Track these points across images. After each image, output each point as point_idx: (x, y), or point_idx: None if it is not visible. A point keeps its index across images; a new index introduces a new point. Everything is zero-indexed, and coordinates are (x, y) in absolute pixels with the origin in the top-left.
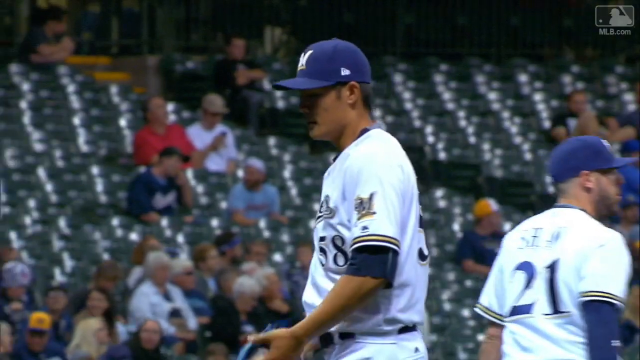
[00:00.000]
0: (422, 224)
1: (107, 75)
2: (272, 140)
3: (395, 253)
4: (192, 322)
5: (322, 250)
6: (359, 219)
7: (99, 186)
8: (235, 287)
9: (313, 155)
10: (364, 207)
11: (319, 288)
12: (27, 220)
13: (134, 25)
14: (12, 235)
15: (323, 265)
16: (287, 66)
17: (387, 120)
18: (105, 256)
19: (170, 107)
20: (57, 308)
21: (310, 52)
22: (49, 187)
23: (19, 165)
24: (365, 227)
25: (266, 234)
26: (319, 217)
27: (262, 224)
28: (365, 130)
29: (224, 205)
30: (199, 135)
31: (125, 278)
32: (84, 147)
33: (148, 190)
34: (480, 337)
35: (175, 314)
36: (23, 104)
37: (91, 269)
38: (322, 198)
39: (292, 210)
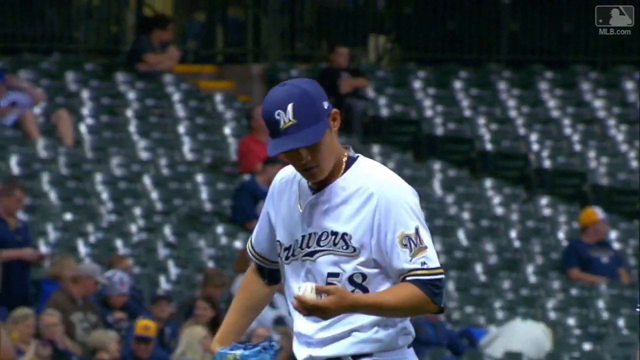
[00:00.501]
0: None
1: (212, 83)
2: (376, 148)
3: (445, 283)
4: None
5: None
6: (413, 255)
7: (204, 194)
8: None
9: (417, 162)
10: (414, 243)
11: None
12: (133, 228)
13: (239, 34)
14: (118, 243)
15: None
16: (391, 74)
17: (492, 127)
18: (210, 264)
19: None
20: (163, 316)
21: (290, 105)
22: (154, 195)
23: (125, 174)
24: (424, 263)
25: None
26: (321, 251)
27: None
28: (352, 159)
29: None
30: None
31: (229, 286)
32: (189, 155)
33: (252, 198)
34: (586, 346)
35: (279, 321)
36: (129, 113)
37: (196, 276)
38: (321, 231)
39: None
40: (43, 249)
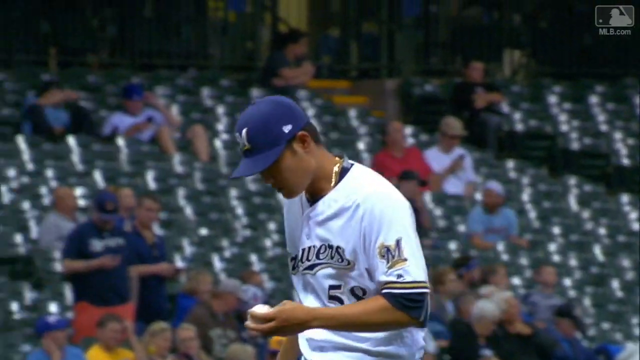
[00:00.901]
0: None
1: (346, 99)
2: (510, 163)
3: (428, 296)
4: (430, 345)
5: (335, 298)
6: (389, 267)
7: None
8: (474, 311)
9: (552, 178)
10: (392, 255)
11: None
12: (268, 243)
13: (373, 49)
14: (253, 257)
15: None
16: (526, 89)
17: (628, 142)
18: None
19: (408, 130)
20: None
21: (245, 129)
22: None
23: (260, 189)
24: (399, 275)
25: (504, 257)
26: (320, 264)
27: (501, 247)
28: (345, 169)
29: (462, 228)
30: (437, 158)
31: None
32: None
33: None
34: None
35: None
36: None
37: None
38: (320, 244)
39: (530, 234)
40: (179, 263)
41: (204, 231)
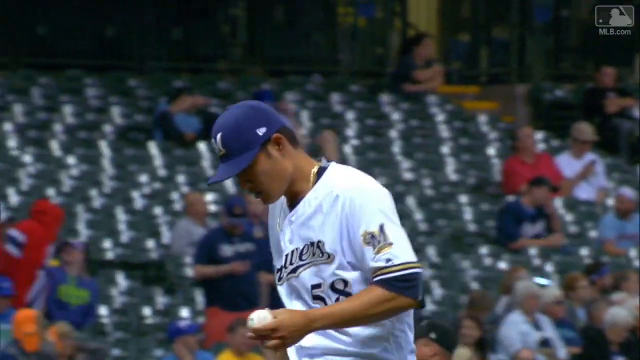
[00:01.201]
0: None
1: (476, 104)
2: None
3: (421, 275)
4: (562, 352)
5: (318, 298)
6: (377, 252)
7: (468, 215)
8: (606, 318)
9: None
10: (378, 240)
11: (323, 332)
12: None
13: (503, 54)
14: None
15: None
16: None
17: None
18: (474, 285)
19: (539, 135)
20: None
21: (219, 135)
22: (418, 215)
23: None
24: (388, 259)
25: (637, 263)
26: (303, 265)
27: (633, 253)
28: (323, 169)
29: (593, 234)
30: (568, 164)
31: (494, 307)
32: (453, 176)
33: (516, 220)
34: None
35: (544, 343)
36: (393, 134)
37: (460, 297)
38: (302, 244)
39: None
40: None
41: None
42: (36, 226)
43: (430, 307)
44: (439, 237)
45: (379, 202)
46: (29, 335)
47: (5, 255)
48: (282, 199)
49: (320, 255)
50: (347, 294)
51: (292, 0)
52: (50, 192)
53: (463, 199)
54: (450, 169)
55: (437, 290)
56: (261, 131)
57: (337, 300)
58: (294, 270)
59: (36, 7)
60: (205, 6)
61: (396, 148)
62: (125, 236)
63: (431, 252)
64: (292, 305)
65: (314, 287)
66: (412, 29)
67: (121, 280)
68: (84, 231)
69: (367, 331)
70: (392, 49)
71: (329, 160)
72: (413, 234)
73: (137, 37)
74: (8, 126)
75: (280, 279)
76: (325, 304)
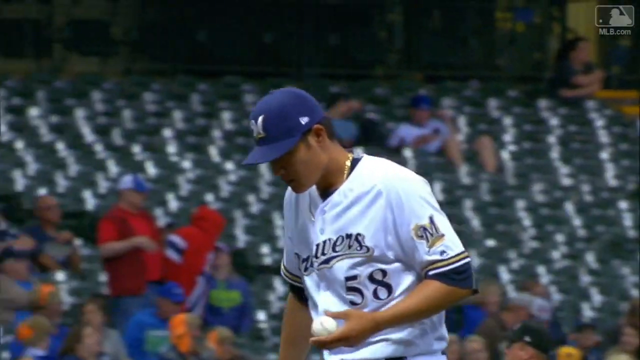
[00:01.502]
0: None
1: (636, 109)
2: None
3: (471, 263)
4: None
5: (354, 290)
6: (430, 246)
7: (628, 221)
8: None
9: None
10: (430, 233)
11: None
12: (556, 255)
13: None
14: (540, 269)
15: (358, 304)
16: None
17: None
18: (634, 292)
19: None
20: (587, 344)
21: (261, 117)
22: (577, 221)
23: (548, 200)
24: (443, 252)
25: None
26: (337, 256)
27: None
28: (356, 160)
29: None
30: None
31: None
32: (612, 182)
33: None
34: None
35: None
36: (551, 139)
37: (620, 304)
38: (336, 236)
39: None
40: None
41: (490, 242)
42: (196, 232)
43: (589, 313)
44: (598, 244)
45: (422, 193)
46: (181, 337)
47: (165, 261)
48: (311, 189)
49: (359, 248)
50: (385, 284)
51: (449, 5)
52: (209, 197)
53: (623, 204)
54: (610, 175)
55: (597, 297)
56: (304, 120)
57: (374, 290)
58: (326, 261)
59: (196, 14)
60: (363, 12)
61: (554, 154)
62: (282, 242)
63: (590, 258)
64: (320, 295)
65: (349, 279)
66: (571, 34)
67: (278, 285)
68: (241, 237)
69: None
70: (551, 54)
71: (368, 154)
72: (572, 240)
73: (295, 44)
74: (168, 132)
75: (306, 269)
76: (362, 294)
